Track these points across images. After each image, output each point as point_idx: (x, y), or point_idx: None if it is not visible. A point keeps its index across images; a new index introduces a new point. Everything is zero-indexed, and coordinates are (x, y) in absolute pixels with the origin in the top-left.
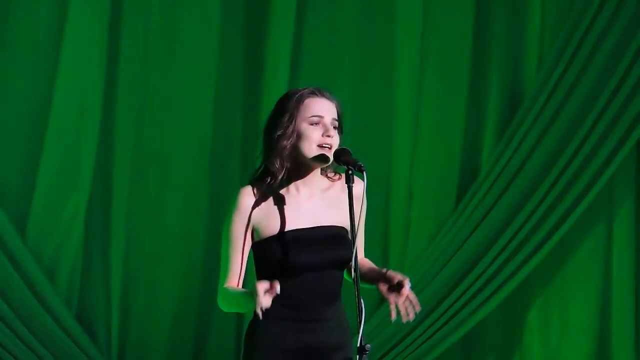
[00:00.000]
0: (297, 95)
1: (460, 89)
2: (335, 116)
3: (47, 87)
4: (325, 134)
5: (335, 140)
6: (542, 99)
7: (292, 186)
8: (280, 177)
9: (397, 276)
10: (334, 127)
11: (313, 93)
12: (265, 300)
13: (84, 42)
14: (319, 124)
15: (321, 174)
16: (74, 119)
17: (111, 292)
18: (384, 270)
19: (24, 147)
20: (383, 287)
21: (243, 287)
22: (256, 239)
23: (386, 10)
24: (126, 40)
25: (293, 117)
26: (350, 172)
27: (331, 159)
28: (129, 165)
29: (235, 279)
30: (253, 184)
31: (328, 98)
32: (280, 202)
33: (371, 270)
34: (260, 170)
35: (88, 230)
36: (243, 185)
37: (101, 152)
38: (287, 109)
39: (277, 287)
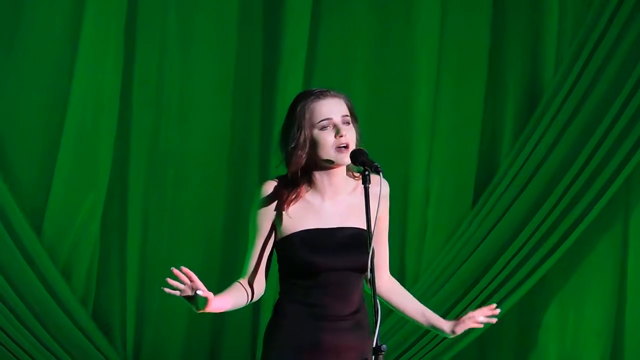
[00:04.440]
0: (301, 104)
1: (478, 90)
2: (345, 112)
3: (64, 85)
4: (338, 134)
5: (350, 137)
6: (559, 99)
7: (315, 188)
8: (302, 184)
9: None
10: (347, 123)
11: (317, 97)
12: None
13: (101, 40)
14: (329, 126)
15: (347, 174)
16: (91, 117)
17: (127, 291)
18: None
19: (40, 146)
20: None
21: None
22: (278, 236)
23: (404, 9)
24: (143, 38)
25: (302, 126)
26: (366, 172)
27: (348, 161)
28: (145, 164)
29: (252, 273)
30: (277, 179)
31: (333, 96)
32: (302, 202)
33: (426, 313)
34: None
35: (104, 229)
36: (262, 182)
37: (118, 151)
38: (295, 119)
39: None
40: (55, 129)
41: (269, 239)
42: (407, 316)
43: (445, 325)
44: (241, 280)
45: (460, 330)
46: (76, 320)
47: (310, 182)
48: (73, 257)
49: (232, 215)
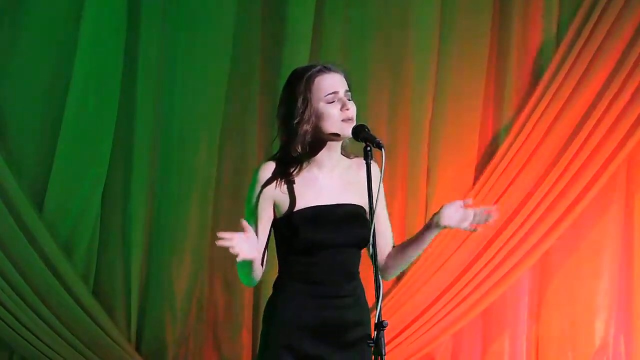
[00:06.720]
0: (305, 77)
1: (480, 65)
2: (347, 87)
3: (66, 62)
4: (344, 107)
5: (353, 111)
6: (560, 75)
7: (312, 165)
8: (304, 161)
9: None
10: (349, 99)
11: (321, 71)
12: (238, 247)
13: (104, 17)
14: (335, 100)
15: (341, 153)
16: (93, 92)
17: (130, 268)
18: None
19: (42, 122)
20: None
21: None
22: (276, 215)
23: None
24: (145, 16)
25: (307, 100)
26: (368, 148)
27: (349, 134)
28: (148, 140)
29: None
30: (274, 160)
31: (336, 71)
32: (300, 180)
33: (417, 234)
34: (280, 152)
35: (106, 205)
36: (259, 165)
37: (120, 127)
38: (299, 92)
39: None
40: (57, 105)
41: (269, 221)
42: (408, 258)
43: (432, 221)
44: None
45: (443, 218)
46: (78, 297)
47: (308, 158)
48: (74, 233)
49: (234, 189)
